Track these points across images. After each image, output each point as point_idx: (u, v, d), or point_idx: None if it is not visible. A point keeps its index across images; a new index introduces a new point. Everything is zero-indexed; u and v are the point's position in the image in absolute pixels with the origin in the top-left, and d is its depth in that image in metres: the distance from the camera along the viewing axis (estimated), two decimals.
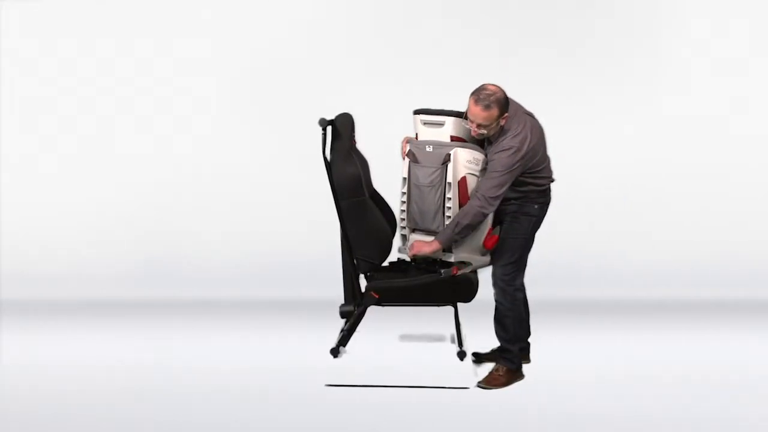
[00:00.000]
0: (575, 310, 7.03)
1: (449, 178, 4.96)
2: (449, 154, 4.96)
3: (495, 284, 5.15)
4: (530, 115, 5.12)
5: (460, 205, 4.99)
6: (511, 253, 5.12)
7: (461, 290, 5.15)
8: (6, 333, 6.60)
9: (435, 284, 5.13)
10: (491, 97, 4.85)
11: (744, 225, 7.91)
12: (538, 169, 5.05)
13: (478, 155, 4.98)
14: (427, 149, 5.05)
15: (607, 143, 7.98)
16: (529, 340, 5.44)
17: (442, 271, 5.08)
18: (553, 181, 5.21)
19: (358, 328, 5.35)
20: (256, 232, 8.12)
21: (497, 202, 4.93)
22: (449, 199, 4.99)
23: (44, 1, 8.26)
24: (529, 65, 7.98)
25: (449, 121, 5.03)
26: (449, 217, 4.99)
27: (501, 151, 4.91)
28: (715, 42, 7.98)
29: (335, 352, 5.27)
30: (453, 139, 5.04)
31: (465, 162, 4.97)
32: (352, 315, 5.32)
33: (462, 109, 5.03)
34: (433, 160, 5.02)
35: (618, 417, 4.69)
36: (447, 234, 4.99)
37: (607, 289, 7.53)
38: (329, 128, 5.19)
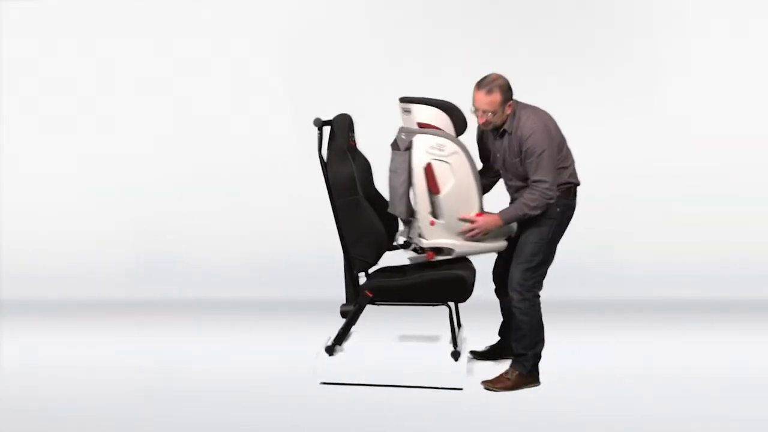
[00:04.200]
0: (575, 310, 7.03)
1: (413, 165, 5.00)
2: (411, 141, 5.01)
3: (513, 289, 5.12)
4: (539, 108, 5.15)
5: (430, 193, 5.02)
6: (531, 258, 5.09)
7: (455, 290, 5.13)
8: (6, 333, 6.61)
9: (428, 284, 5.13)
10: (494, 83, 4.96)
11: (744, 225, 7.90)
12: (557, 157, 5.03)
13: (443, 141, 4.99)
14: (402, 136, 5.12)
15: (608, 144, 7.98)
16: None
17: (409, 258, 5.20)
18: (578, 184, 5.17)
19: (355, 327, 5.34)
20: (256, 233, 8.12)
21: (554, 186, 4.96)
22: (415, 185, 5.02)
23: (44, 1, 8.27)
24: (531, 66, 7.99)
25: (415, 108, 5.08)
26: (417, 203, 5.04)
27: (528, 138, 4.95)
28: (717, 43, 7.99)
29: (331, 351, 5.27)
30: (422, 125, 5.06)
31: (427, 148, 5.00)
32: None
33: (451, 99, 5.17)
34: (403, 147, 5.09)
35: (617, 417, 4.69)
36: (512, 215, 5.05)
37: (606, 289, 7.53)
38: (327, 128, 5.21)
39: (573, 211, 5.17)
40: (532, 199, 4.96)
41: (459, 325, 5.59)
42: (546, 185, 4.94)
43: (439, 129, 5.05)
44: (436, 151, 4.99)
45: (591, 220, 7.78)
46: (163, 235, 8.21)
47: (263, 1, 8.23)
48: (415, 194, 5.07)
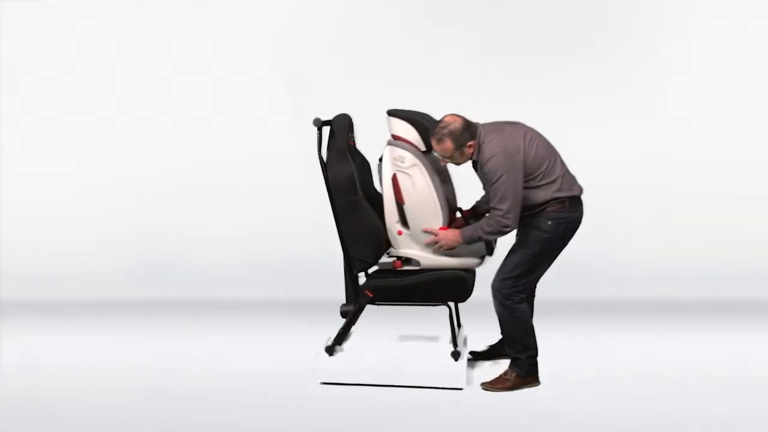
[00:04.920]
0: (575, 310, 7.04)
1: (383, 175, 5.11)
2: (383, 153, 5.14)
3: (494, 296, 5.10)
4: (516, 124, 5.06)
5: (397, 204, 5.10)
6: (513, 267, 5.04)
7: (455, 290, 5.13)
8: (6, 333, 6.61)
9: (428, 284, 5.14)
10: (444, 130, 4.91)
11: (744, 225, 7.91)
12: (534, 175, 4.94)
13: (404, 154, 5.06)
14: None
15: (608, 144, 7.99)
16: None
17: (377, 264, 5.26)
18: (574, 195, 5.06)
19: (355, 327, 5.36)
20: (256, 233, 8.13)
21: (511, 214, 4.85)
22: (385, 195, 5.11)
23: (44, 1, 8.26)
24: (531, 66, 7.99)
25: (390, 121, 5.18)
26: (387, 212, 5.13)
27: (486, 163, 4.88)
28: (717, 43, 8.00)
29: (331, 351, 5.27)
30: (395, 137, 5.17)
31: (392, 160, 5.09)
32: None
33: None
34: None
35: (618, 417, 4.69)
36: (470, 235, 5.02)
37: (606, 289, 7.54)
38: (327, 129, 5.22)
39: (573, 223, 5.07)
40: (488, 224, 4.92)
41: (459, 325, 5.59)
42: (501, 213, 4.85)
43: (409, 141, 5.13)
44: (399, 163, 5.08)
45: (591, 220, 7.82)
46: (163, 235, 8.21)
47: (263, 1, 8.23)
48: (386, 204, 5.14)
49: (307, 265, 7.73)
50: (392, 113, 5.18)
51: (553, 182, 4.99)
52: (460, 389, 5.08)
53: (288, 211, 8.11)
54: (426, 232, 5.10)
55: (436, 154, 5.05)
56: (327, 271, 6.31)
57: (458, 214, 5.40)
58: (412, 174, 5.06)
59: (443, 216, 5.11)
